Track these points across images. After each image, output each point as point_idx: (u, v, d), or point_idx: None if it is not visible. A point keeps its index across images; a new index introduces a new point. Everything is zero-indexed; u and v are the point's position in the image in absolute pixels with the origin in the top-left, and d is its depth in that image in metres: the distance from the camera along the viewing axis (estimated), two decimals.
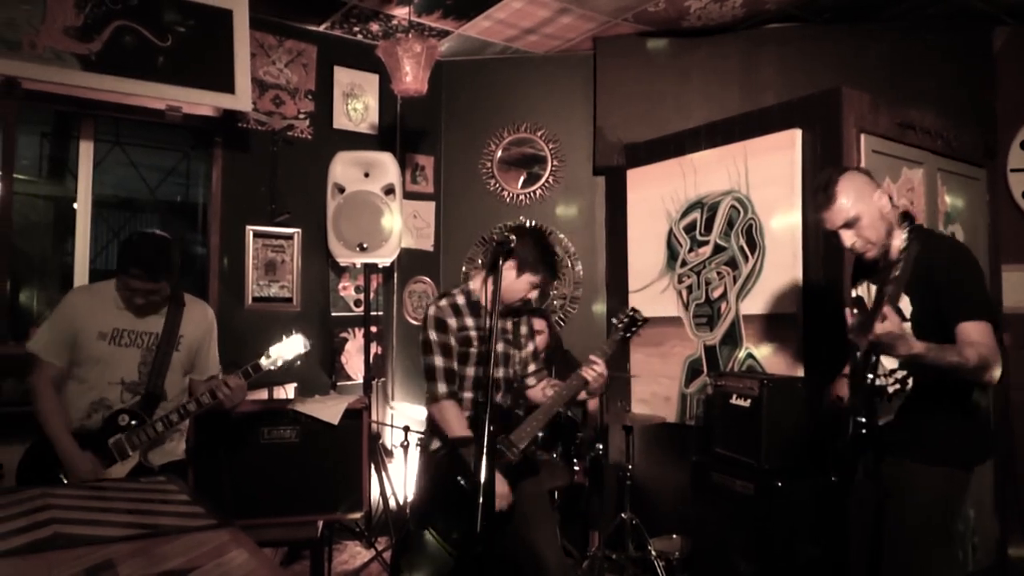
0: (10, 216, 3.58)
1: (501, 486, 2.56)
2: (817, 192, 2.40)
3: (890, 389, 2.34)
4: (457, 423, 2.70)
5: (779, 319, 3.56)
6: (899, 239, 2.34)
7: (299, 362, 2.94)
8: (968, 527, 3.76)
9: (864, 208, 2.32)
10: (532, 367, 2.99)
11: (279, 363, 2.89)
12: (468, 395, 2.79)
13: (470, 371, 2.79)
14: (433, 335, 2.76)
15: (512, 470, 2.65)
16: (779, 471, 3.03)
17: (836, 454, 2.51)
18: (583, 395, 2.88)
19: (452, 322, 2.77)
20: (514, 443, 2.67)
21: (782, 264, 3.56)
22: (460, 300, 2.84)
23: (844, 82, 3.52)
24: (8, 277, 3.61)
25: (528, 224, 2.98)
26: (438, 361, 2.75)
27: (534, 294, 2.81)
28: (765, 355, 3.64)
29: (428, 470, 2.76)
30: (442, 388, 2.73)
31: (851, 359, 2.62)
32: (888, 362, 2.30)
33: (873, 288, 2.45)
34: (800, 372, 3.44)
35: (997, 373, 2.16)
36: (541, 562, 2.60)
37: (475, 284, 2.90)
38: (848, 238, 2.35)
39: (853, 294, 2.58)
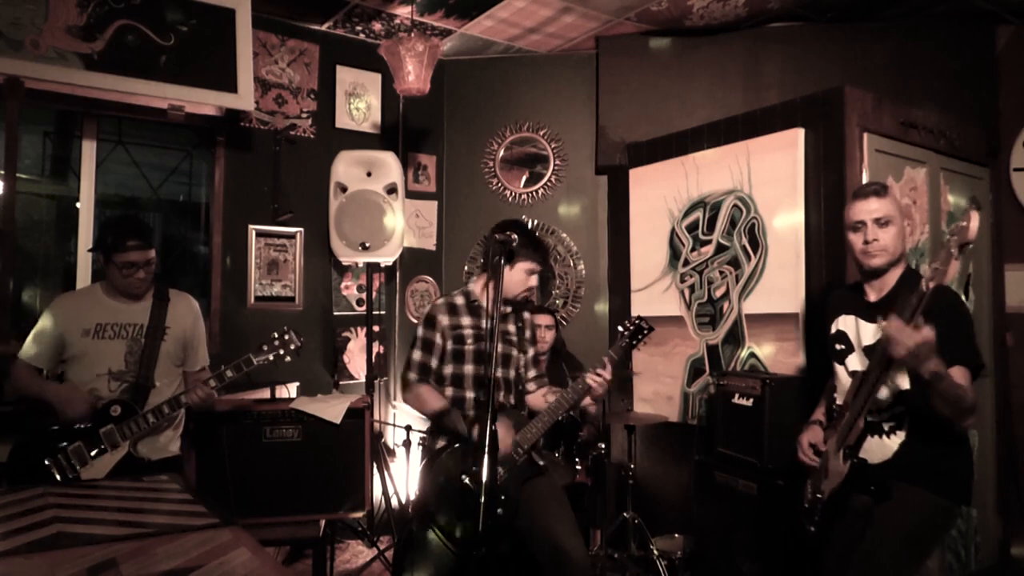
0: (13, 215, 3.58)
1: (503, 432, 2.62)
2: (869, 184, 2.49)
3: (886, 427, 2.35)
4: (432, 399, 2.81)
5: (781, 318, 3.56)
6: (893, 278, 2.42)
7: (290, 359, 2.91)
8: (970, 525, 3.76)
9: (899, 218, 2.42)
10: (532, 372, 3.01)
11: (271, 357, 2.88)
12: (470, 394, 2.82)
13: (468, 368, 2.83)
14: (420, 330, 2.88)
15: (518, 470, 2.68)
16: (781, 470, 3.03)
17: (797, 517, 2.55)
18: (587, 400, 2.88)
19: (444, 319, 2.84)
20: (519, 443, 2.69)
21: (785, 263, 3.55)
22: (459, 300, 2.91)
23: (847, 81, 3.52)
24: (11, 276, 3.62)
25: (505, 220, 2.97)
26: (416, 355, 2.86)
27: (533, 280, 2.84)
28: (767, 354, 3.63)
29: (432, 468, 2.77)
30: (412, 376, 2.85)
31: (826, 406, 2.63)
32: (883, 397, 2.33)
33: (860, 322, 2.46)
34: (802, 371, 3.43)
35: (972, 421, 2.25)
36: (564, 553, 2.59)
37: (475, 286, 2.96)
38: (873, 231, 2.38)
39: (833, 329, 2.58)
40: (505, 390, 2.88)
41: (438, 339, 2.83)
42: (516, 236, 2.65)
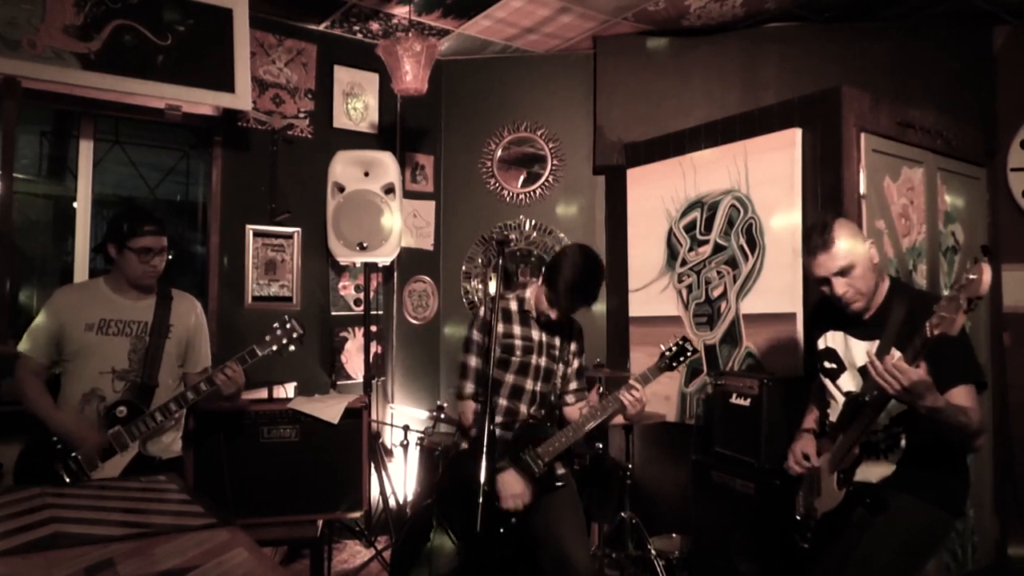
0: (10, 215, 3.58)
1: (516, 485, 2.59)
2: (812, 234, 2.34)
3: (882, 446, 2.32)
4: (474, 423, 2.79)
5: (779, 318, 3.56)
6: (880, 294, 2.37)
7: (293, 348, 2.88)
8: (967, 525, 3.76)
9: (859, 257, 2.29)
10: (573, 384, 2.95)
11: (275, 347, 2.85)
12: (503, 402, 2.80)
13: (509, 378, 2.80)
14: (476, 335, 2.83)
15: (537, 482, 2.66)
16: (779, 470, 3.02)
17: (790, 530, 2.53)
18: (619, 419, 2.80)
19: (498, 327, 2.78)
20: (540, 456, 2.66)
21: (782, 263, 3.55)
22: (512, 306, 2.86)
23: (844, 81, 3.52)
24: (8, 276, 3.61)
25: (580, 245, 2.80)
26: (472, 361, 2.82)
27: (548, 307, 2.72)
28: (765, 354, 3.64)
29: (453, 469, 2.77)
30: (469, 389, 2.82)
31: (817, 413, 2.62)
32: (882, 418, 2.30)
33: (850, 339, 2.42)
34: (800, 371, 3.43)
35: (983, 441, 2.21)
36: (570, 562, 2.59)
37: (529, 292, 2.90)
38: (840, 286, 2.30)
39: (821, 346, 2.53)
40: (538, 404, 2.84)
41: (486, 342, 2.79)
42: (560, 267, 2.62)
